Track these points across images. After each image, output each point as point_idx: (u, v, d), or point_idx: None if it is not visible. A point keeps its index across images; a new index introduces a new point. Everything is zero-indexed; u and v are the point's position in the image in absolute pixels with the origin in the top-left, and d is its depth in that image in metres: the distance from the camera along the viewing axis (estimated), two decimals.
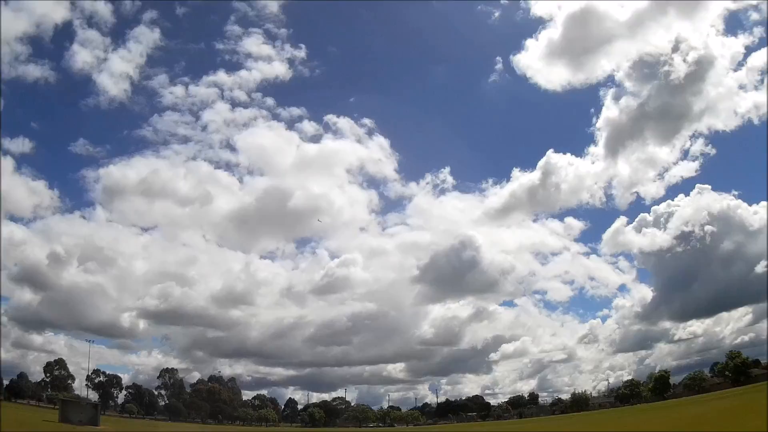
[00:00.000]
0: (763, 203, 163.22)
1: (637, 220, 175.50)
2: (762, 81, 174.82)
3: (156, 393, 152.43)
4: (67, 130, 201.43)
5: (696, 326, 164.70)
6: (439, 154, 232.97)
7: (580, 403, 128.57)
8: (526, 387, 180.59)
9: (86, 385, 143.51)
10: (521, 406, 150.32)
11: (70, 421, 41.84)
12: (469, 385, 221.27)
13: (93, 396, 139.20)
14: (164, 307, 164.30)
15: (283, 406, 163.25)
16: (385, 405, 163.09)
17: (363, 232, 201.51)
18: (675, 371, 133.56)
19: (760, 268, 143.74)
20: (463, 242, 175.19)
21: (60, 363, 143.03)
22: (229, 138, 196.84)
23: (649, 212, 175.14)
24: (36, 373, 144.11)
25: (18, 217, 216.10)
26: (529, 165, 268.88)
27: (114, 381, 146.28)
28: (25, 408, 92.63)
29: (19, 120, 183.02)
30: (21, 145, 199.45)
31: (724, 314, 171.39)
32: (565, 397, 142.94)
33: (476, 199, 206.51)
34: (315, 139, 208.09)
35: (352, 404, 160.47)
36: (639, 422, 37.84)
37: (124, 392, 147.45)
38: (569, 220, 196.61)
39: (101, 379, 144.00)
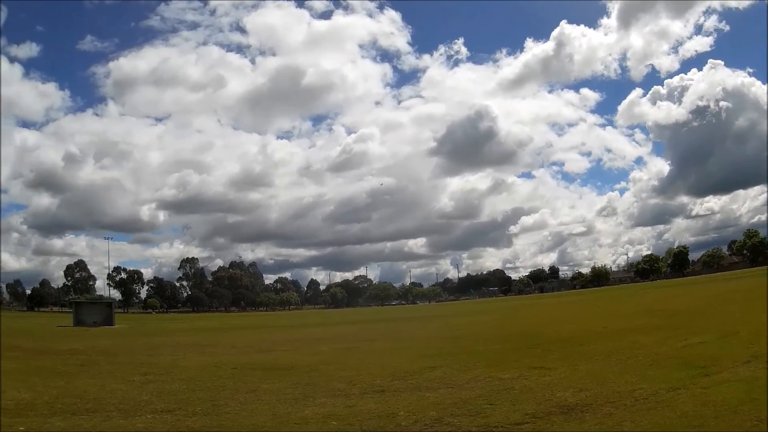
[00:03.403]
0: None
1: (651, 92, 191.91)
2: None
3: (178, 285, 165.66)
4: (73, 28, 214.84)
5: (713, 202, 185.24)
6: (452, 25, 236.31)
7: (600, 277, 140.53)
8: (546, 260, 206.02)
9: (108, 284, 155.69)
10: (542, 280, 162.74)
11: (84, 323, 45.21)
12: (490, 259, 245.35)
13: (115, 294, 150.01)
14: (183, 196, 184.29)
15: (305, 288, 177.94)
16: (408, 282, 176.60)
17: (378, 107, 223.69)
18: (692, 248, 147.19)
19: None
20: (479, 113, 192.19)
21: (80, 265, 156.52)
22: (238, 20, 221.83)
23: (662, 85, 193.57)
24: (59, 278, 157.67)
25: (30, 122, 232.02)
26: (542, 35, 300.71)
27: (135, 277, 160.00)
28: (43, 315, 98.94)
29: (23, 25, 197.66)
30: (28, 49, 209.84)
31: (741, 192, 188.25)
32: (585, 271, 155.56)
33: (490, 70, 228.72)
34: (326, 15, 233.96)
35: (374, 282, 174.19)
36: (665, 298, 39.08)
37: (145, 287, 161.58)
38: (584, 91, 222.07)
39: (122, 276, 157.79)
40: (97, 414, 9.49)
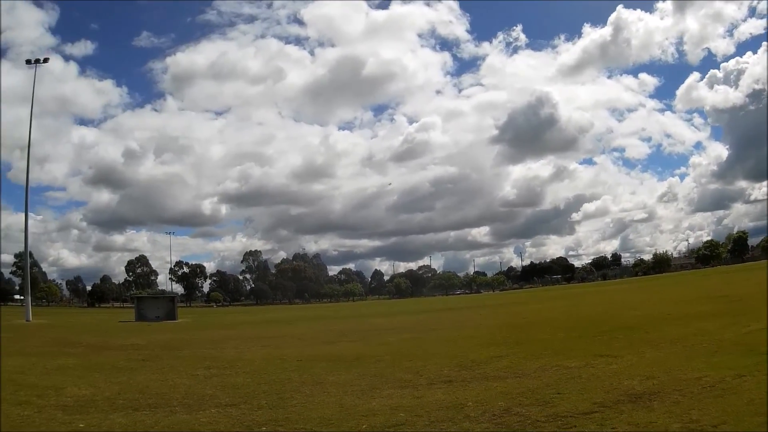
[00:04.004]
0: None
1: (708, 76, 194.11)
2: None
3: (241, 278, 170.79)
4: (128, 25, 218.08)
5: None
6: (510, 11, 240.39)
7: (662, 263, 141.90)
8: (608, 247, 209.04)
9: (170, 278, 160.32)
10: (604, 267, 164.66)
11: (146, 319, 46.40)
12: (553, 247, 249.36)
13: (178, 289, 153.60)
14: (245, 189, 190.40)
15: (369, 279, 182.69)
16: (471, 271, 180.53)
17: (439, 95, 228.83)
18: (751, 233, 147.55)
19: None
20: (539, 100, 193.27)
21: (141, 260, 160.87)
22: (295, 12, 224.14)
23: (719, 69, 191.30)
24: (120, 273, 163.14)
25: (88, 119, 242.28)
26: (599, 20, 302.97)
27: (198, 270, 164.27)
28: (104, 311, 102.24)
29: (77, 23, 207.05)
30: (83, 47, 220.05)
31: None
32: (647, 257, 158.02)
33: (549, 57, 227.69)
34: (383, 5, 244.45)
35: (438, 272, 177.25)
36: (726, 284, 39.89)
37: (208, 281, 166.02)
38: (643, 75, 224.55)
39: (185, 270, 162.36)
40: (159, 409, 9.51)
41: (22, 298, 64.09)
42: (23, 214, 51.85)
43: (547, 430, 7.39)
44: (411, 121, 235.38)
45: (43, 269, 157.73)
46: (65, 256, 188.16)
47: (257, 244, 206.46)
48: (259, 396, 10.48)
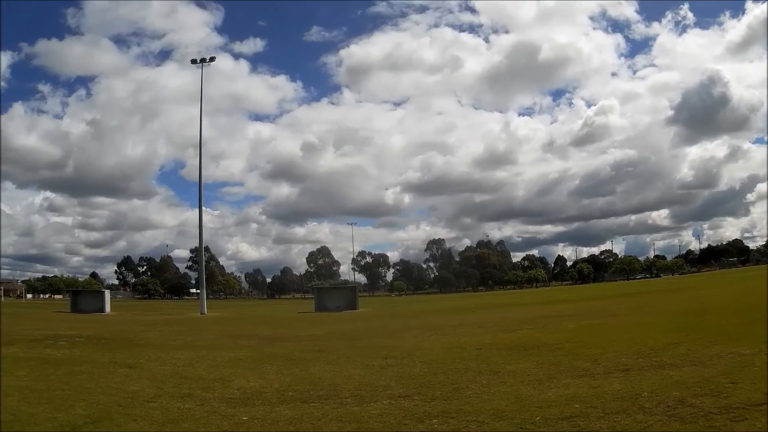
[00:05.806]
0: None
1: None
2: None
3: (424, 266, 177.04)
4: (297, 21, 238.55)
5: None
6: None
7: None
8: None
9: (352, 268, 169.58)
10: None
11: (326, 309, 47.18)
12: (730, 229, 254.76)
13: (360, 279, 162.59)
14: (428, 178, 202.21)
15: (552, 265, 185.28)
16: (651, 254, 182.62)
17: (615, 78, 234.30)
18: None
19: None
20: (711, 79, 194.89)
21: (323, 251, 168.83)
22: (467, 0, 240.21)
23: None
24: (302, 265, 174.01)
25: (263, 115, 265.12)
26: None
27: (381, 260, 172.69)
28: (284, 302, 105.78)
29: (243, 22, 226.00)
30: (252, 45, 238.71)
31: None
32: None
33: (716, 35, 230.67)
34: None
35: (620, 256, 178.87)
36: None
37: (391, 270, 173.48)
38: None
39: (368, 260, 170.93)
40: (329, 401, 9.60)
41: (198, 291, 68.81)
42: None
43: (718, 422, 7.15)
44: (589, 105, 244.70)
45: (221, 263, 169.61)
46: (244, 249, 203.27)
47: (441, 233, 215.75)
48: (433, 386, 10.45)
